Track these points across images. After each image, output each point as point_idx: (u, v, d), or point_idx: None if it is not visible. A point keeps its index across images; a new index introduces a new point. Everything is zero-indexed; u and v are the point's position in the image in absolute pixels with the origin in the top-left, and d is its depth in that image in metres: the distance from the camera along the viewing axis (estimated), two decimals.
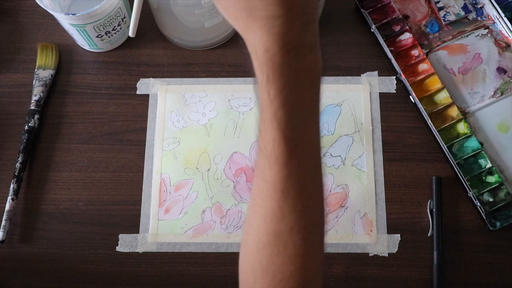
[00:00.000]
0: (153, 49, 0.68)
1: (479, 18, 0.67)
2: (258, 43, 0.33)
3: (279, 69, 0.33)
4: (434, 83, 0.63)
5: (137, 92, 0.66)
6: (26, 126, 0.62)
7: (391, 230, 0.59)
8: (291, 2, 0.32)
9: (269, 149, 0.35)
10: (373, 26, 0.65)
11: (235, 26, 0.35)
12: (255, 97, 0.58)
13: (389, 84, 0.65)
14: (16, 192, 0.60)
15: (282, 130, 0.34)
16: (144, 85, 0.66)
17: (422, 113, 0.62)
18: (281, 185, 0.35)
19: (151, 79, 0.66)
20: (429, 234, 0.58)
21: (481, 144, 0.61)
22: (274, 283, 0.37)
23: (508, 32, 0.65)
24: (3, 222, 0.58)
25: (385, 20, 0.66)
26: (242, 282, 0.40)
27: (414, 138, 0.63)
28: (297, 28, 0.32)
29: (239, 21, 0.34)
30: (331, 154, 0.62)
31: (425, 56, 0.64)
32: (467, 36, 0.66)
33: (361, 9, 0.66)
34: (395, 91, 0.64)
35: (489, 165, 0.59)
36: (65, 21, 0.60)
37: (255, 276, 0.38)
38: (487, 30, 0.66)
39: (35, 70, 0.65)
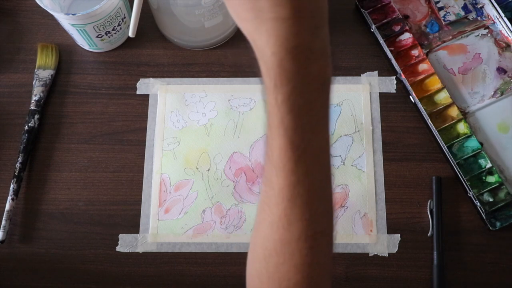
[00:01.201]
0: (153, 49, 0.68)
1: (479, 18, 0.67)
2: (265, 47, 0.32)
3: (286, 74, 0.32)
4: (434, 83, 0.63)
5: (137, 92, 0.66)
6: (26, 126, 0.62)
7: (391, 230, 0.59)
8: (300, 5, 0.31)
9: (276, 156, 0.34)
10: (373, 26, 0.65)
11: (242, 28, 0.34)
12: (263, 103, 0.58)
13: (389, 84, 0.65)
14: (16, 192, 0.60)
15: (289, 137, 0.33)
16: (144, 85, 0.66)
17: (422, 113, 0.62)
18: (288, 193, 0.34)
19: (151, 79, 0.66)
20: (429, 234, 0.58)
21: (481, 144, 0.61)
22: None
23: (508, 32, 0.65)
24: (3, 222, 0.58)
25: (385, 20, 0.66)
26: (249, 285, 0.40)
27: (414, 138, 0.63)
28: (305, 32, 0.32)
29: (247, 23, 0.33)
30: (331, 154, 0.62)
31: (425, 56, 0.64)
32: (467, 36, 0.66)
33: (361, 9, 0.66)
34: (395, 91, 0.64)
35: (489, 165, 0.59)
36: (65, 21, 0.60)
37: (261, 282, 0.38)
38: (487, 30, 0.66)
39: (35, 70, 0.65)
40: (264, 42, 0.32)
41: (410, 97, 0.63)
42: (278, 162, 0.34)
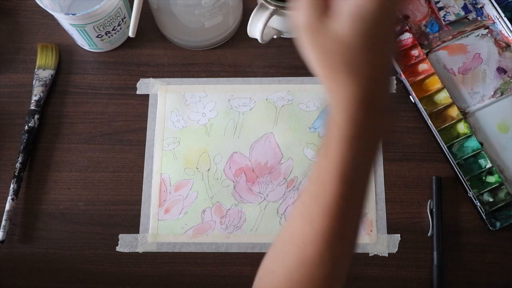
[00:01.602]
0: (153, 49, 0.68)
1: (479, 18, 0.67)
2: (339, 94, 0.34)
3: (354, 124, 0.34)
4: (434, 83, 0.63)
5: (137, 92, 0.66)
6: (26, 126, 0.62)
7: (391, 230, 0.59)
8: (385, 65, 0.34)
9: (322, 192, 0.36)
10: None
11: (317, 70, 0.36)
12: (322, 131, 0.59)
13: None
14: (16, 192, 0.60)
15: (342, 181, 0.35)
16: (144, 85, 0.66)
17: (422, 113, 0.62)
18: (327, 236, 0.36)
19: (151, 79, 0.66)
20: (429, 234, 0.58)
21: (481, 144, 0.61)
22: None
23: (508, 32, 0.65)
24: (3, 222, 0.58)
25: None
26: None
27: (414, 138, 0.63)
28: (379, 87, 0.34)
29: (323, 68, 0.35)
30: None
31: (425, 56, 0.64)
32: (467, 36, 0.66)
33: None
34: (395, 91, 0.64)
35: (489, 165, 0.59)
36: (65, 21, 0.60)
37: None
38: (487, 30, 0.66)
39: (35, 70, 0.65)
40: (340, 89, 0.35)
41: (410, 97, 0.63)
42: (323, 197, 0.36)
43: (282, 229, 0.40)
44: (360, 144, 0.35)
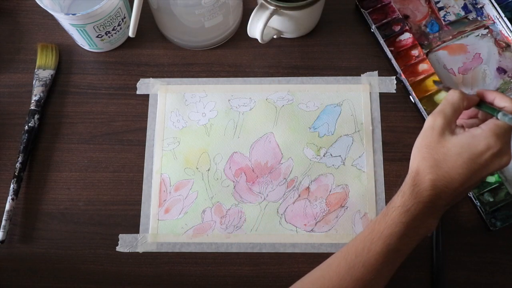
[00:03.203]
0: (153, 49, 0.68)
1: (479, 18, 0.67)
2: (415, 186, 0.47)
3: (415, 216, 0.46)
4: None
5: (137, 92, 0.66)
6: (26, 126, 0.62)
7: None
8: (466, 184, 0.47)
9: (367, 248, 0.47)
10: (373, 26, 0.65)
11: (415, 156, 0.48)
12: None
13: (389, 84, 0.65)
14: (16, 192, 0.60)
15: (387, 247, 0.46)
16: (144, 85, 0.66)
17: (422, 113, 0.62)
18: (360, 283, 0.46)
19: (151, 79, 0.66)
20: (429, 234, 0.58)
21: None
22: None
23: (508, 32, 0.65)
24: (3, 222, 0.58)
25: (385, 20, 0.66)
26: None
27: (414, 138, 0.62)
28: (449, 197, 0.47)
29: (421, 159, 0.47)
30: (331, 154, 0.62)
31: (425, 56, 0.64)
32: (467, 36, 0.66)
33: (361, 9, 0.66)
34: (395, 91, 0.64)
35: None
36: (65, 21, 0.60)
37: None
38: (487, 30, 0.66)
39: (35, 70, 0.65)
40: (419, 187, 0.47)
41: (410, 97, 0.63)
42: (367, 256, 0.46)
43: (322, 265, 0.49)
44: (410, 229, 0.46)
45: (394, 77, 0.65)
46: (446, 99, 0.48)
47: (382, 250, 0.46)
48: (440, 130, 0.47)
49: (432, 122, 0.48)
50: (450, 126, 0.47)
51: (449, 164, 0.46)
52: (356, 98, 0.64)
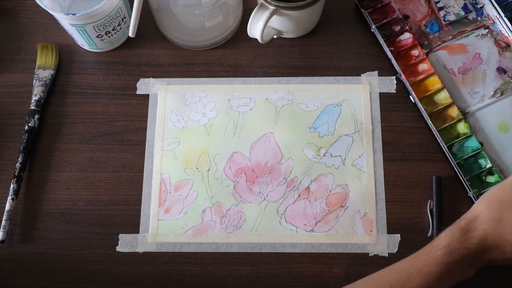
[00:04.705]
0: (153, 49, 0.68)
1: (479, 18, 0.67)
2: (474, 231, 0.46)
3: (458, 262, 0.46)
4: (434, 83, 0.63)
5: (137, 92, 0.66)
6: (26, 126, 0.62)
7: (391, 230, 0.59)
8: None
9: (406, 279, 0.45)
10: (373, 26, 0.65)
11: (484, 206, 0.46)
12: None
13: (389, 84, 0.65)
14: (16, 192, 0.60)
15: (423, 283, 0.45)
16: (144, 85, 0.66)
17: (422, 113, 0.62)
18: None
19: (151, 79, 0.66)
20: (429, 234, 0.58)
21: (481, 144, 0.61)
22: None
23: (508, 32, 0.65)
24: (3, 222, 0.58)
25: (385, 20, 0.66)
26: None
27: (414, 138, 0.63)
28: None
29: (488, 213, 0.45)
30: (331, 154, 0.62)
31: (425, 56, 0.64)
32: (467, 36, 0.66)
33: (361, 9, 0.66)
34: (395, 91, 0.64)
35: (489, 165, 0.59)
36: (65, 21, 0.60)
37: None
38: (487, 30, 0.66)
39: (35, 70, 0.65)
40: (479, 234, 0.46)
41: (410, 97, 0.63)
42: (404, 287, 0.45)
43: (363, 280, 0.49)
44: (449, 272, 0.45)
45: (394, 77, 0.65)
46: None
47: (417, 286, 0.45)
48: None
49: None
50: None
51: None
52: (356, 98, 0.64)
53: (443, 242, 0.46)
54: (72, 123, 0.64)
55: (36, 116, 0.63)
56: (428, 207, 0.59)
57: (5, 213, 0.59)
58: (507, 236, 0.44)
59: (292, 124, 0.63)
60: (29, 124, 0.62)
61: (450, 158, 0.60)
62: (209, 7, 0.59)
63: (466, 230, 0.45)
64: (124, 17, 0.64)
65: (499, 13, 0.65)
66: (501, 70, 0.65)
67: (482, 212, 0.45)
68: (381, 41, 0.64)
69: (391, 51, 0.64)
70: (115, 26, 0.63)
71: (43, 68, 0.65)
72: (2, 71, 0.67)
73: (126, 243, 0.59)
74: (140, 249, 0.59)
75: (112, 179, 0.62)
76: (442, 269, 0.45)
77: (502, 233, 0.44)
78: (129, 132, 0.64)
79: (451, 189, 0.60)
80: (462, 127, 0.61)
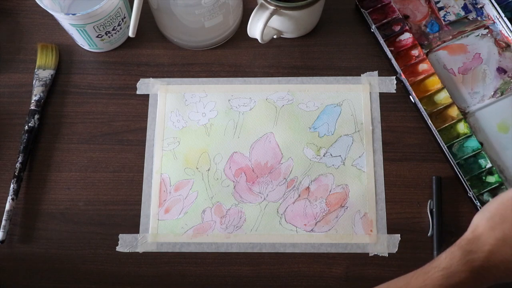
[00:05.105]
0: (153, 49, 0.68)
1: (479, 18, 0.67)
2: (477, 252, 0.43)
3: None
4: (434, 83, 0.63)
5: (137, 92, 0.66)
6: (26, 126, 0.62)
7: (391, 230, 0.59)
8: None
9: None
10: (373, 26, 0.65)
11: (482, 222, 0.44)
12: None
13: (389, 84, 0.65)
14: (16, 192, 0.60)
15: None
16: (144, 85, 0.66)
17: (422, 113, 0.62)
18: None
19: (151, 79, 0.66)
20: (429, 234, 0.58)
21: (481, 144, 0.61)
22: None
23: (508, 32, 0.65)
24: (3, 222, 0.58)
25: (385, 20, 0.66)
26: None
27: (414, 138, 0.63)
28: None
29: (488, 229, 0.44)
30: (331, 154, 0.62)
31: (425, 56, 0.64)
32: (467, 36, 0.66)
33: (361, 9, 0.66)
34: (395, 91, 0.64)
35: (489, 165, 0.59)
36: (65, 21, 0.60)
37: None
38: (487, 30, 0.66)
39: (35, 70, 0.65)
40: (483, 254, 0.43)
41: (410, 97, 0.63)
42: None
43: None
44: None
45: (394, 77, 0.65)
46: None
47: None
48: None
49: None
50: None
51: None
52: (356, 98, 0.64)
53: (443, 263, 0.43)
54: (72, 123, 0.64)
55: (36, 116, 0.63)
56: (428, 207, 0.59)
57: (5, 213, 0.59)
58: (510, 256, 0.42)
59: (292, 124, 0.63)
60: (29, 124, 0.62)
61: (450, 158, 0.60)
62: (209, 7, 0.59)
63: (469, 252, 0.43)
64: (124, 17, 0.64)
65: (499, 13, 0.65)
66: (501, 70, 0.65)
67: (484, 231, 0.43)
68: (381, 41, 0.64)
69: (391, 51, 0.64)
70: (115, 26, 0.63)
71: (43, 68, 0.65)
72: (2, 71, 0.67)
73: (126, 243, 0.59)
74: (140, 249, 0.59)
75: (112, 179, 0.62)
76: None
77: (507, 252, 0.42)
78: (129, 132, 0.64)
79: (451, 189, 0.60)
80: (462, 127, 0.61)
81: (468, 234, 0.44)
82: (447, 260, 0.43)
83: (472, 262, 0.42)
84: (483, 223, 0.44)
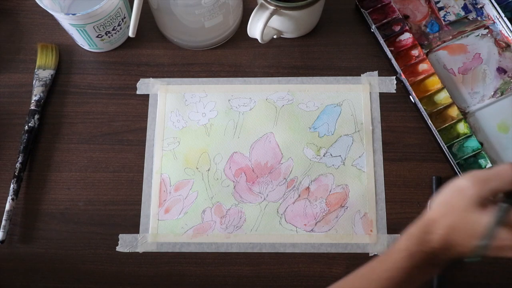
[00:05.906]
0: (153, 49, 0.68)
1: (479, 18, 0.67)
2: (433, 233, 0.44)
3: (413, 262, 0.44)
4: (434, 83, 0.63)
5: (137, 92, 0.66)
6: (26, 126, 0.62)
7: (391, 230, 0.59)
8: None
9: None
10: (373, 26, 0.65)
11: (438, 209, 0.45)
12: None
13: (389, 84, 0.65)
14: (16, 192, 0.60)
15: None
16: (144, 85, 0.66)
17: (422, 113, 0.62)
18: None
19: (151, 79, 0.66)
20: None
21: (481, 144, 0.61)
22: None
23: (508, 32, 0.65)
24: (3, 222, 0.58)
25: (385, 20, 0.66)
26: None
27: (414, 138, 0.63)
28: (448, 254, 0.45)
29: (440, 216, 0.45)
30: (331, 154, 0.62)
31: (425, 56, 0.64)
32: (467, 36, 0.66)
33: (361, 9, 0.66)
34: (395, 91, 0.64)
35: (489, 165, 0.59)
36: (65, 21, 0.60)
37: None
38: (487, 30, 0.66)
39: (35, 70, 0.65)
40: (438, 234, 0.44)
41: (410, 97, 0.63)
42: None
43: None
44: (411, 276, 0.44)
45: (394, 77, 0.65)
46: (498, 172, 0.43)
47: None
48: (470, 201, 0.43)
49: (465, 187, 0.44)
50: (482, 200, 0.43)
51: (468, 233, 0.43)
52: (356, 98, 0.64)
53: (402, 245, 0.45)
54: (72, 123, 0.64)
55: (36, 116, 0.63)
56: (428, 207, 0.59)
57: (5, 213, 0.59)
58: (459, 241, 0.43)
59: (292, 124, 0.63)
60: (29, 124, 0.62)
61: (450, 158, 0.60)
62: (209, 7, 0.59)
63: (425, 232, 0.44)
64: (124, 17, 0.64)
65: (499, 13, 0.65)
66: (501, 70, 0.65)
67: (437, 217, 0.45)
68: (381, 41, 0.64)
69: (391, 51, 0.64)
70: (115, 26, 0.63)
71: (43, 68, 0.65)
72: (2, 71, 0.67)
73: (126, 243, 0.59)
74: (140, 249, 0.59)
75: (112, 179, 0.62)
76: (403, 274, 0.44)
77: (456, 240, 0.43)
78: (129, 132, 0.64)
79: None
80: (462, 127, 0.61)
81: (424, 218, 0.46)
82: (405, 241, 0.45)
83: (428, 242, 0.44)
84: (437, 208, 0.45)
